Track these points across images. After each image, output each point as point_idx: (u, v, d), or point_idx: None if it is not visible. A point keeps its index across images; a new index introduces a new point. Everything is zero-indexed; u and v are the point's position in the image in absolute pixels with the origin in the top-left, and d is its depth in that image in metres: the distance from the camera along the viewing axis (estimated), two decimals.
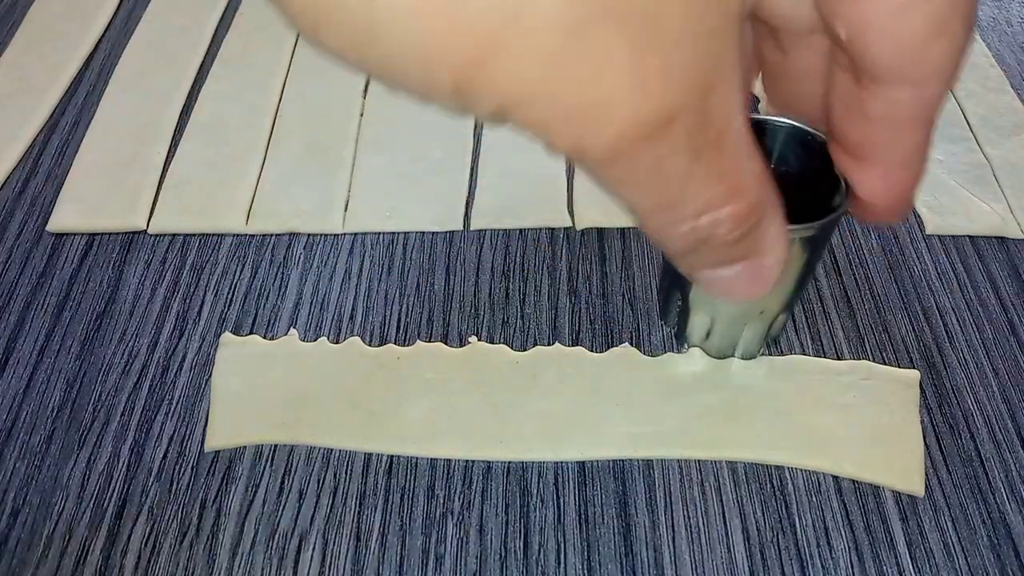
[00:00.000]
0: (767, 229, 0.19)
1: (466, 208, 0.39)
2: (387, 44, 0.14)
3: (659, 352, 0.34)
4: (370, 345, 0.34)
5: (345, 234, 0.38)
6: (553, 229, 0.38)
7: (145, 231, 0.39)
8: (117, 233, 0.39)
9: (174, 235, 0.38)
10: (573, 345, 0.34)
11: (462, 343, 0.34)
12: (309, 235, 0.38)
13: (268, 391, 0.33)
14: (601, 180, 0.17)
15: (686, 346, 0.33)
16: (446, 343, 0.34)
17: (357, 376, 0.33)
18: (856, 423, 0.31)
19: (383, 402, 0.32)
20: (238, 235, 0.38)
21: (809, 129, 0.24)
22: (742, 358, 0.33)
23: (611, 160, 0.16)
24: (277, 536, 0.29)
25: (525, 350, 0.34)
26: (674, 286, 0.31)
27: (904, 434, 0.31)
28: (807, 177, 0.24)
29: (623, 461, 0.31)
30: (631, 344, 0.34)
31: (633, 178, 0.16)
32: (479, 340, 0.34)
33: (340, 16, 0.14)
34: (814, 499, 0.30)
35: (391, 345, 0.34)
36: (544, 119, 0.15)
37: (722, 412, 0.32)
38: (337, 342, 0.34)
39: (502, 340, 0.34)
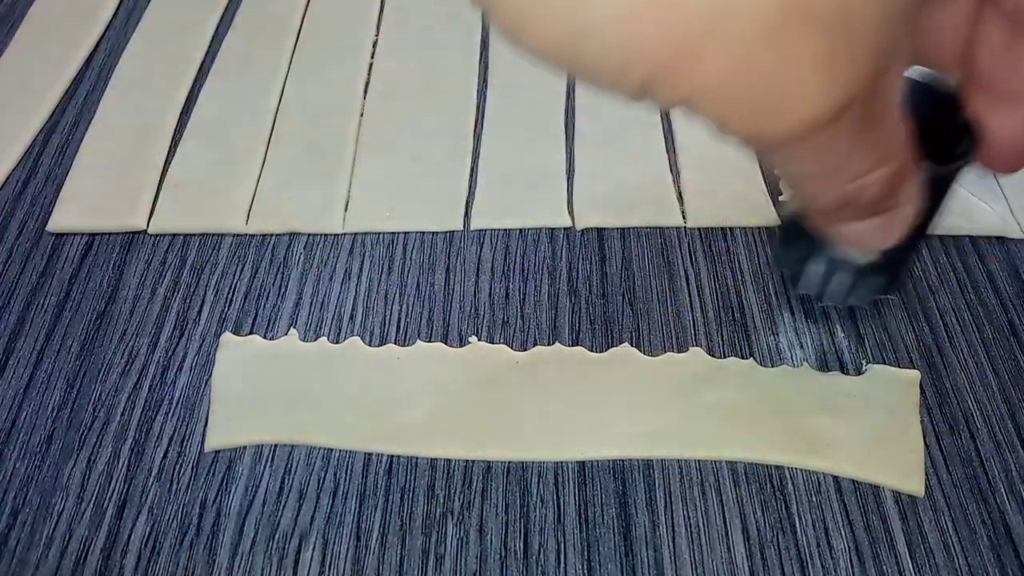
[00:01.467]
0: (907, 186, 0.20)
1: (466, 208, 0.39)
2: (589, 46, 0.15)
3: (659, 352, 0.34)
4: (370, 345, 0.34)
5: (345, 234, 0.38)
6: (553, 229, 0.38)
7: (145, 231, 0.39)
8: (117, 233, 0.39)
9: (174, 235, 0.38)
10: (573, 345, 0.34)
11: (462, 343, 0.34)
12: (309, 235, 0.38)
13: (268, 391, 0.33)
14: (764, 156, 0.18)
15: (800, 292, 0.32)
16: (446, 343, 0.34)
17: (357, 376, 0.33)
18: (856, 423, 0.31)
19: (383, 402, 0.32)
20: (238, 235, 0.38)
21: (931, 80, 0.24)
22: (851, 306, 0.32)
23: (784, 144, 0.16)
24: (277, 536, 0.29)
25: (525, 350, 0.34)
26: (796, 236, 0.30)
27: (904, 434, 0.31)
28: (926, 126, 0.23)
29: (623, 461, 0.31)
30: (631, 344, 0.34)
31: (799, 155, 0.17)
32: (479, 340, 0.34)
33: (548, 17, 0.15)
34: (814, 499, 0.30)
35: (391, 345, 0.34)
36: (725, 111, 0.16)
37: (722, 412, 0.32)
38: (337, 342, 0.34)
39: (502, 340, 0.34)
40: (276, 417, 0.32)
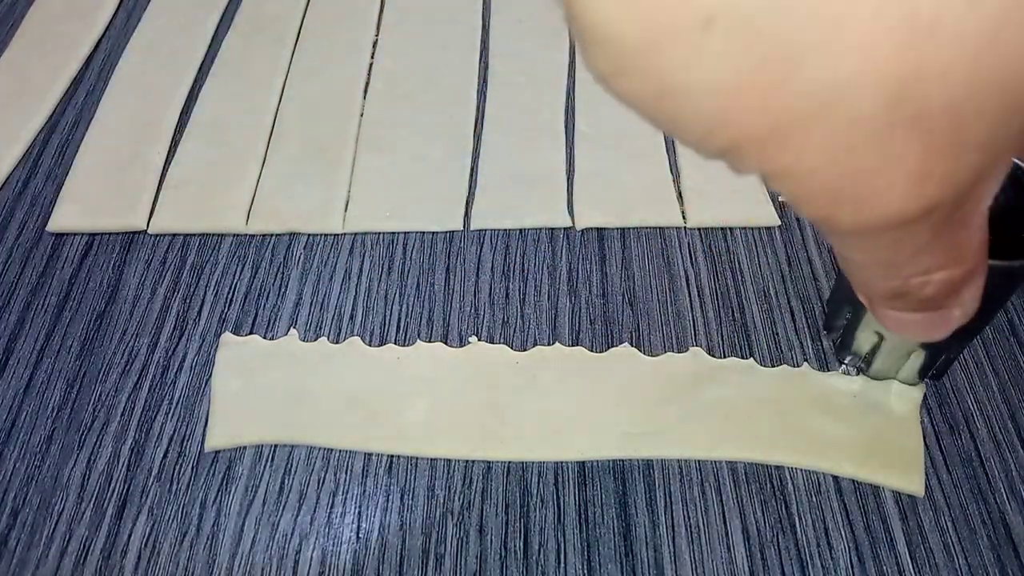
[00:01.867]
0: (968, 289, 0.19)
1: (466, 208, 0.39)
2: (679, 108, 0.14)
3: (659, 352, 0.34)
4: (370, 345, 0.34)
5: (345, 234, 0.38)
6: (553, 229, 0.38)
7: (145, 231, 0.39)
8: (117, 233, 0.39)
9: (174, 235, 0.38)
10: (573, 345, 0.34)
11: (462, 343, 0.34)
12: (309, 235, 0.38)
13: (268, 391, 0.33)
14: (832, 239, 0.17)
15: (846, 362, 0.32)
16: (446, 343, 0.34)
17: (357, 376, 0.33)
18: (856, 423, 0.31)
19: (383, 402, 0.32)
20: (238, 235, 0.38)
21: (1020, 164, 0.23)
22: (901, 382, 0.32)
23: (857, 236, 0.16)
24: (277, 536, 0.29)
25: (525, 350, 0.34)
26: (846, 300, 0.30)
27: (904, 434, 0.31)
28: (1007, 214, 0.23)
29: (623, 461, 0.31)
30: (631, 344, 0.34)
31: (867, 246, 0.16)
32: (479, 340, 0.34)
33: (642, 75, 0.14)
34: (814, 499, 0.30)
35: (391, 345, 0.34)
36: (805, 194, 0.15)
37: (722, 412, 0.32)
38: (337, 342, 0.34)
39: (502, 340, 0.34)
40: (276, 417, 0.32)
